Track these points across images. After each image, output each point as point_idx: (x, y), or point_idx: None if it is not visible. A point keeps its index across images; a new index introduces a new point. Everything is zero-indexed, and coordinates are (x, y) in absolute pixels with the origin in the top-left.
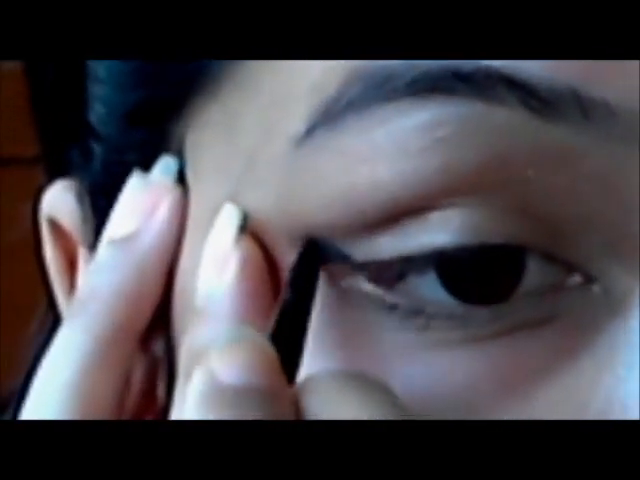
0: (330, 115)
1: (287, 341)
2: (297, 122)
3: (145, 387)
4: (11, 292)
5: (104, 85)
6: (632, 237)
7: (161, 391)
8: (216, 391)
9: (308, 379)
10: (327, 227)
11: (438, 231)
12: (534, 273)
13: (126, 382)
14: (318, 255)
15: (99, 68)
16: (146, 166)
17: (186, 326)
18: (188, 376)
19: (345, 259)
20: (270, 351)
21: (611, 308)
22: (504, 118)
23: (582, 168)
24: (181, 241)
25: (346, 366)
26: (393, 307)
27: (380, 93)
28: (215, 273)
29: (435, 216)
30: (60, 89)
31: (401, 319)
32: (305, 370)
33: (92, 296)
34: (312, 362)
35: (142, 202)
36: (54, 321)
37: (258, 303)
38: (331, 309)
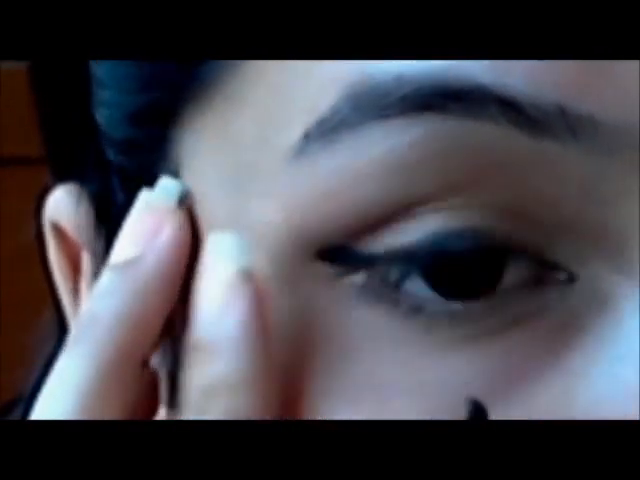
0: (324, 133)
1: None
2: (292, 138)
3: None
4: (15, 295)
5: (107, 88)
6: (616, 235)
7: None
8: None
9: None
10: (328, 235)
11: (428, 233)
12: (518, 269)
13: (129, 408)
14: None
15: (102, 71)
16: (147, 170)
17: (192, 353)
18: (202, 412)
19: (345, 261)
20: None
21: (598, 303)
22: (493, 134)
23: (567, 177)
24: (185, 260)
25: (346, 366)
26: (395, 305)
27: (373, 111)
28: (219, 311)
29: (427, 219)
30: (66, 92)
31: (402, 319)
32: (309, 373)
33: (94, 322)
34: (314, 365)
35: (144, 226)
36: (60, 328)
37: (265, 340)
38: (330, 311)
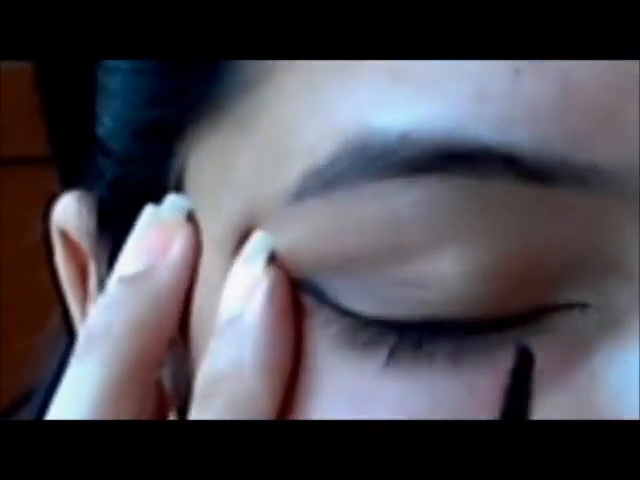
0: (322, 182)
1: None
2: (290, 180)
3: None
4: (16, 296)
5: (115, 100)
6: (623, 265)
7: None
8: None
9: None
10: (320, 279)
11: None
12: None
13: (143, 416)
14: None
15: (111, 82)
16: (151, 183)
17: (204, 350)
18: (208, 396)
19: (339, 308)
20: None
21: (606, 327)
22: (496, 190)
23: (572, 219)
24: (196, 274)
25: (347, 405)
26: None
27: (373, 169)
28: (241, 299)
29: (423, 281)
30: (74, 99)
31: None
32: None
33: (108, 331)
34: (319, 407)
35: (153, 240)
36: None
37: (284, 328)
38: (326, 352)
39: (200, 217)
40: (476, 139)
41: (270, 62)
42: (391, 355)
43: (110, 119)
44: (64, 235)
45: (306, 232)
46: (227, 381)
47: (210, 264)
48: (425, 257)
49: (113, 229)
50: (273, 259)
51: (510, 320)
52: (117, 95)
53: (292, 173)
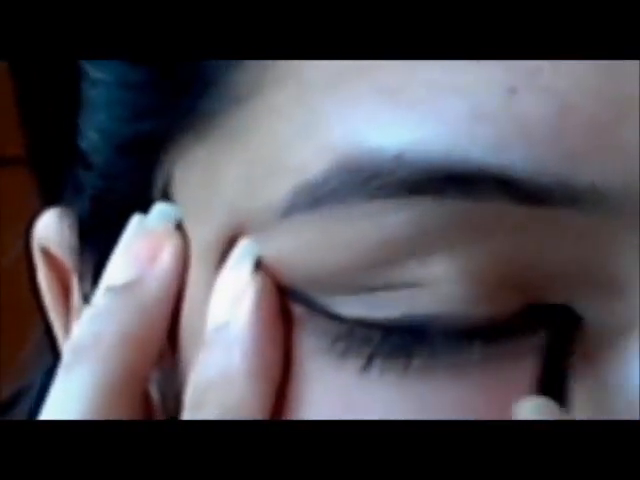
0: (312, 199)
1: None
2: (280, 195)
3: None
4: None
5: (99, 113)
6: (618, 276)
7: None
8: None
9: None
10: (309, 286)
11: (414, 301)
12: (516, 316)
13: None
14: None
15: (95, 95)
16: (134, 195)
17: (193, 359)
18: (198, 405)
19: (327, 314)
20: None
21: (601, 342)
22: (491, 212)
23: (565, 234)
24: (184, 283)
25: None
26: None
27: (364, 190)
28: (229, 305)
29: (412, 289)
30: (51, 114)
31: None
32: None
33: (97, 342)
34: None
35: (142, 249)
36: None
37: (272, 335)
38: (315, 359)
39: (188, 226)
40: (471, 161)
41: (260, 76)
42: (382, 360)
43: (94, 132)
44: (46, 252)
45: (293, 246)
46: (217, 389)
47: (197, 273)
48: (415, 265)
49: (96, 243)
50: (259, 265)
51: (496, 331)
52: (102, 108)
53: (282, 188)
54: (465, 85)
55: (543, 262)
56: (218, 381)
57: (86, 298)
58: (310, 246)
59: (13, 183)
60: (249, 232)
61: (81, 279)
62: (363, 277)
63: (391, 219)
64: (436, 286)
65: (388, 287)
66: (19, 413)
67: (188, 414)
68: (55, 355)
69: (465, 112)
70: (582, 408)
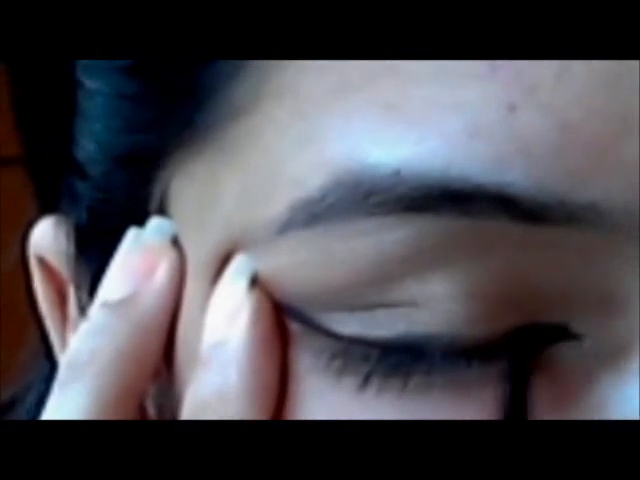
0: (309, 215)
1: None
2: (277, 210)
3: None
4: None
5: (96, 124)
6: (619, 294)
7: None
8: None
9: None
10: (305, 303)
11: (412, 320)
12: (515, 338)
13: None
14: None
15: (92, 106)
16: (130, 207)
17: (189, 377)
18: None
19: (324, 331)
20: None
21: (602, 360)
22: (490, 230)
23: (565, 253)
24: (180, 299)
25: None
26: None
27: (362, 206)
28: (224, 323)
29: (410, 307)
30: (48, 122)
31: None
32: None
33: (93, 358)
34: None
35: (137, 264)
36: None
37: (268, 352)
38: (311, 376)
39: (184, 241)
40: (469, 178)
41: (257, 89)
42: (379, 379)
43: (90, 143)
44: (41, 261)
45: (290, 263)
46: (213, 409)
47: (193, 289)
48: (412, 283)
49: (93, 253)
50: (255, 282)
51: (494, 350)
52: (98, 119)
53: (279, 204)
54: (464, 102)
55: (542, 281)
56: (214, 400)
57: (83, 309)
58: (306, 263)
59: (13, 184)
60: (245, 248)
61: (78, 288)
62: (360, 295)
63: (389, 237)
64: (434, 305)
65: (386, 305)
66: (16, 415)
67: None
68: (51, 362)
69: (463, 129)
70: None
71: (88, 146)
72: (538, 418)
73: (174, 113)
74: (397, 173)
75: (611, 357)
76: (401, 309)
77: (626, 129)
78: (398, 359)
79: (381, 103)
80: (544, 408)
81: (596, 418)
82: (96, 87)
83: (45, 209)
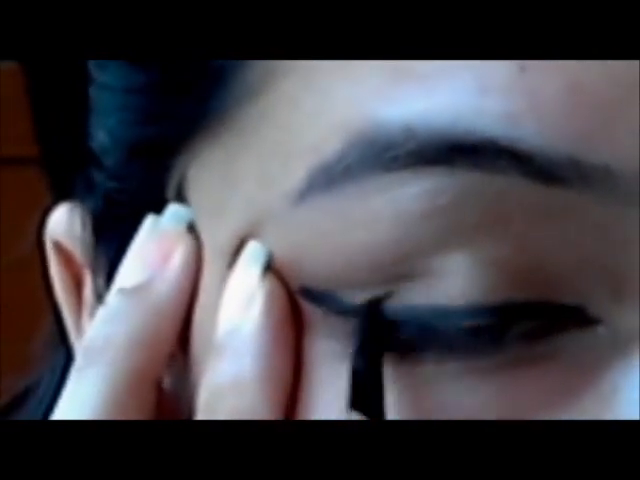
0: (328, 178)
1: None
2: (296, 179)
3: None
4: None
5: (109, 117)
6: (634, 279)
7: None
8: None
9: None
10: (323, 281)
11: (431, 290)
12: (529, 319)
13: None
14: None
15: (103, 99)
16: (147, 195)
17: (205, 363)
18: (211, 411)
19: (342, 309)
20: None
21: (615, 348)
22: (503, 186)
23: (581, 222)
24: (196, 285)
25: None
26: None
27: (379, 162)
28: (239, 310)
29: (429, 277)
30: (62, 111)
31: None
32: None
33: (108, 344)
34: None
35: (153, 251)
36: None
37: (282, 339)
38: (326, 361)
39: (202, 228)
40: (481, 131)
41: (269, 69)
42: (393, 359)
43: (104, 135)
44: (57, 246)
45: (310, 233)
46: (228, 396)
47: (209, 276)
48: (431, 248)
49: (109, 239)
50: (269, 268)
51: (509, 329)
52: (111, 112)
53: (298, 172)
54: (474, 62)
55: (558, 253)
56: (229, 387)
57: (100, 296)
58: (326, 232)
59: (27, 179)
60: (264, 227)
61: (94, 274)
62: (379, 267)
63: (406, 192)
64: (452, 275)
65: (404, 277)
66: (29, 407)
67: (201, 417)
68: (66, 348)
69: (472, 85)
70: (594, 415)
71: (102, 138)
72: (551, 404)
73: (186, 103)
74: (408, 129)
75: (624, 344)
76: (419, 282)
77: (636, 95)
78: (413, 337)
79: (390, 64)
80: (557, 394)
81: (608, 404)
82: (107, 81)
83: (60, 197)
